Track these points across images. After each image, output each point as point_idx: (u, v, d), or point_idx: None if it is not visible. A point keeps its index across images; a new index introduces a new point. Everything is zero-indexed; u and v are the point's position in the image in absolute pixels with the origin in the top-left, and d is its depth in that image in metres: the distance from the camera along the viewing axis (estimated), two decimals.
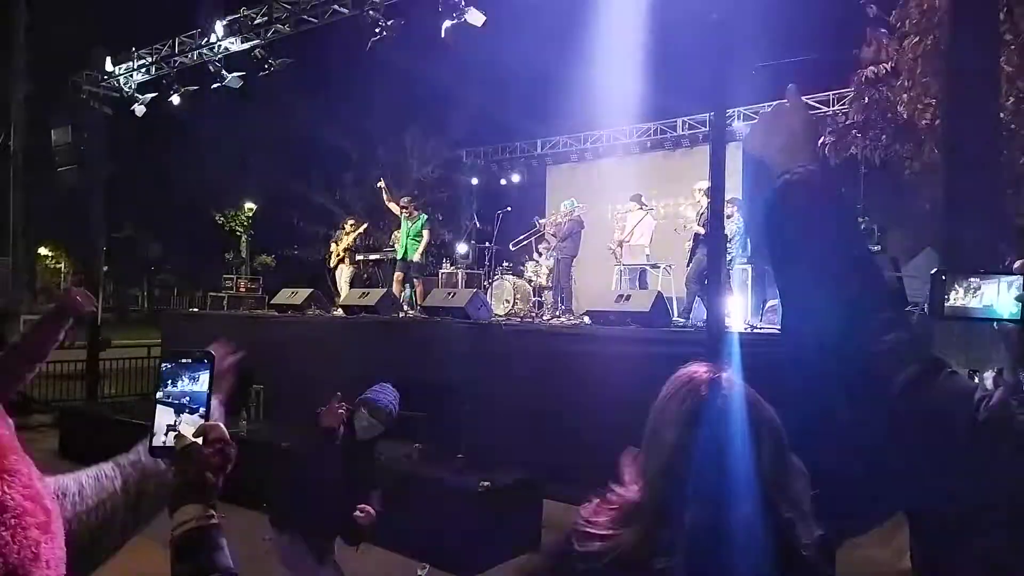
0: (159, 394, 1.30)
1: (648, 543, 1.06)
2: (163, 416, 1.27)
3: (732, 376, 1.16)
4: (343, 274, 12.09)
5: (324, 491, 3.38)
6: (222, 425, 1.23)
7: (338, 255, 12.16)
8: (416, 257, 10.98)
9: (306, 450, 3.64)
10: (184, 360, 1.29)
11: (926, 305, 1.15)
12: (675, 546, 1.04)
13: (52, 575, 0.88)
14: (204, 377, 1.27)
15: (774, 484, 1.06)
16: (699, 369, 1.18)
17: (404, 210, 11.16)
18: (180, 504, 1.16)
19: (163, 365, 1.31)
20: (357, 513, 3.27)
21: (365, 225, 12.31)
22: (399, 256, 11.19)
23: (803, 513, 1.07)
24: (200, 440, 1.21)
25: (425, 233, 11.12)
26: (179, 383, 1.28)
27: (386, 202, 11.76)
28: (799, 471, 1.12)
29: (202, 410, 1.26)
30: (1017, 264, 1.05)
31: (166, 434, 1.26)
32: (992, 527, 0.88)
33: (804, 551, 1.04)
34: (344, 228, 12.37)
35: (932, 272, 1.12)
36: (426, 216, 11.44)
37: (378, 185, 12.28)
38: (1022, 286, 1.04)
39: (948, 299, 1.09)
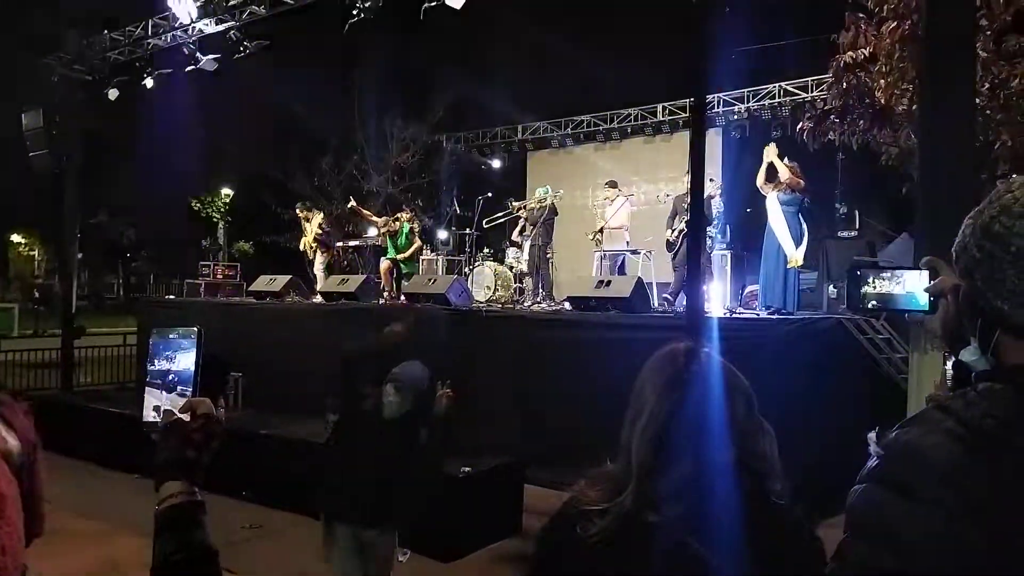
0: (149, 368, 1.30)
1: (639, 502, 1.15)
2: (152, 391, 1.28)
3: (709, 349, 1.28)
4: (318, 262, 11.95)
5: (360, 476, 3.39)
6: (208, 401, 1.23)
7: (309, 246, 12.01)
8: (407, 260, 11.03)
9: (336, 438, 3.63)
10: (172, 336, 1.30)
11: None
12: (664, 500, 1.13)
13: (7, 561, 0.86)
14: (192, 353, 1.27)
15: (745, 441, 1.18)
16: (679, 344, 1.29)
17: (388, 230, 11.18)
18: (164, 479, 1.16)
19: (151, 341, 1.32)
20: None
21: (320, 215, 12.19)
22: (387, 254, 11.14)
23: (773, 467, 1.19)
24: (187, 416, 1.20)
25: (416, 240, 11.26)
26: (167, 359, 1.29)
27: (365, 220, 11.86)
28: (767, 431, 1.23)
29: (190, 386, 1.26)
30: (924, 260, 1.14)
31: (155, 409, 1.27)
32: None
33: (776, 498, 1.17)
34: (303, 216, 12.14)
35: (848, 270, 1.22)
36: (408, 224, 11.42)
37: (349, 206, 12.38)
38: (929, 279, 1.13)
39: (867, 289, 1.18)
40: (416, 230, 11.56)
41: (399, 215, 11.35)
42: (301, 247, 12.27)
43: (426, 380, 3.58)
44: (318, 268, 11.86)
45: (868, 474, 0.91)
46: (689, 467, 1.14)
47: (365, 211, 12.39)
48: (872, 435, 0.93)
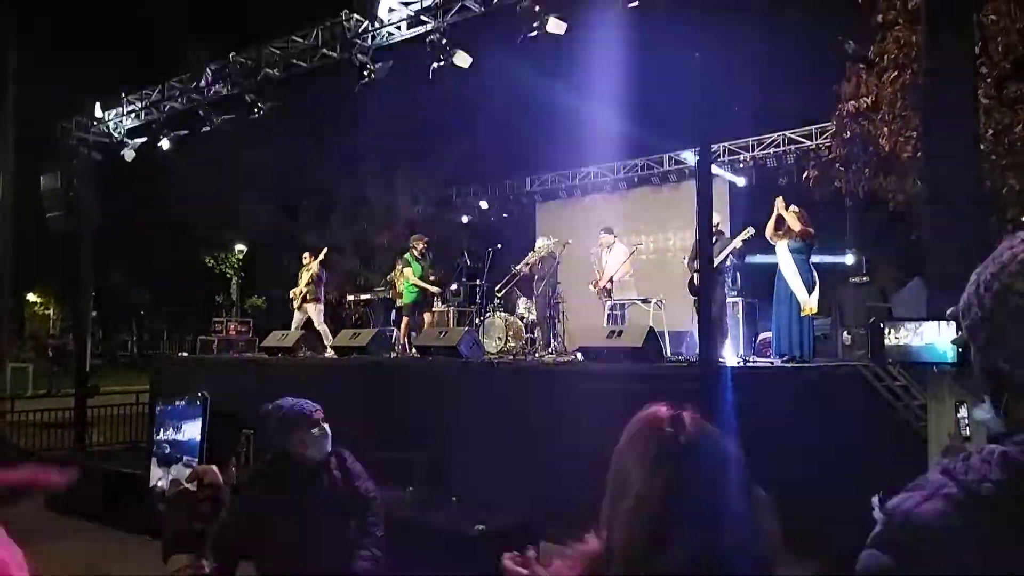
0: (155, 438, 1.29)
1: None
2: (159, 460, 1.27)
3: (693, 413, 1.15)
4: (314, 314, 11.37)
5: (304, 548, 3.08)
6: (215, 469, 1.22)
7: (299, 294, 11.54)
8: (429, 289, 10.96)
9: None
10: (179, 404, 1.29)
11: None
12: None
13: None
14: (198, 422, 1.26)
15: (741, 519, 1.05)
16: (660, 409, 1.16)
17: (419, 251, 11.04)
18: (172, 552, 1.15)
19: (157, 410, 1.31)
20: None
21: (317, 258, 11.74)
22: (407, 300, 10.91)
23: (774, 544, 1.08)
24: (193, 485, 1.19)
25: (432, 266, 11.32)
26: (174, 428, 1.28)
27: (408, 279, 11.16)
28: (764, 503, 1.12)
29: (196, 456, 1.24)
30: (949, 311, 1.10)
31: (161, 478, 1.25)
32: None
33: None
34: (306, 264, 11.83)
35: (871, 323, 1.20)
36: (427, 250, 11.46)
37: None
38: (956, 330, 1.09)
39: (888, 342, 1.15)
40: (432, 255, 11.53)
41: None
42: (291, 295, 11.77)
43: (318, 410, 3.16)
44: (317, 323, 11.36)
45: (871, 539, 0.91)
46: (683, 552, 1.02)
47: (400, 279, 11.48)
48: (875, 499, 0.92)
